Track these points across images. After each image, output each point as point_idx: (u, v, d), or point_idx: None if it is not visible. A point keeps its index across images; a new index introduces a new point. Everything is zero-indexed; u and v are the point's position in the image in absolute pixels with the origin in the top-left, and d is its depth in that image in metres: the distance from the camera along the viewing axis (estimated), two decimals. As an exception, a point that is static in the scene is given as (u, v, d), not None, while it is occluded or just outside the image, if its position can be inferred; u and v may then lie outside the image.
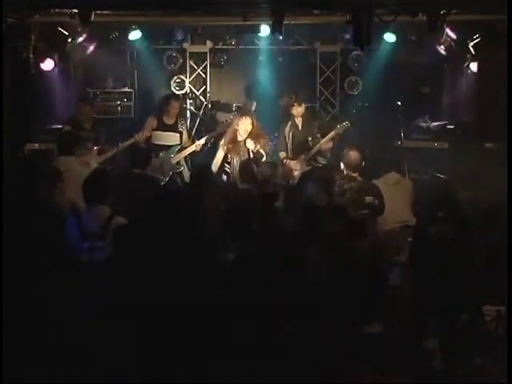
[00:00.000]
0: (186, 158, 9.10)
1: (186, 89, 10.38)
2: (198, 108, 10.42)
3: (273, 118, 9.61)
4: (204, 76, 10.56)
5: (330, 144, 8.80)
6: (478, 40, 8.96)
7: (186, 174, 8.92)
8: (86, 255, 5.25)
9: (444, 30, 8.55)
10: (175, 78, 10.35)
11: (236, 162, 8.42)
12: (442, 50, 9.52)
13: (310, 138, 8.79)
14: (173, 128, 8.87)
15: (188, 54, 10.40)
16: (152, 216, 5.15)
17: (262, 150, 8.35)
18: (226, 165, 8.46)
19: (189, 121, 10.09)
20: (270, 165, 7.74)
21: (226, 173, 8.43)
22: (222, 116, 10.00)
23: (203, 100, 10.42)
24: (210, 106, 10.13)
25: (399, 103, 9.34)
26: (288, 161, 8.79)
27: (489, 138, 9.09)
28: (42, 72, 9.26)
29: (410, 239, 6.11)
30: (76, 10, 7.35)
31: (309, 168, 8.56)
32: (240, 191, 7.41)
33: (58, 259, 5.13)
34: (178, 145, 8.86)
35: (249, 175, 7.40)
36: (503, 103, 7.73)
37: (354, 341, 4.89)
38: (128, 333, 4.52)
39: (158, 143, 8.83)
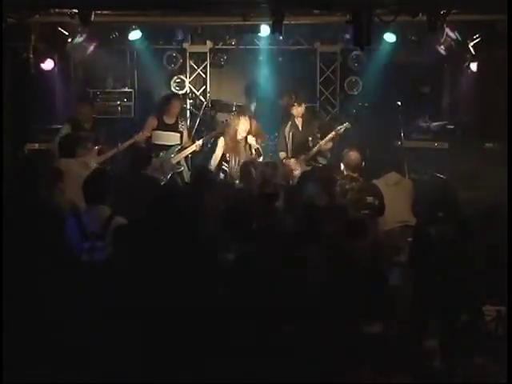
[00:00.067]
0: (186, 157, 9.12)
1: (186, 89, 10.38)
2: (198, 108, 10.41)
3: (273, 118, 9.62)
4: (204, 76, 10.56)
5: (330, 144, 8.80)
6: (478, 40, 8.96)
7: (186, 174, 8.93)
8: (86, 255, 5.25)
9: (444, 29, 8.55)
10: (175, 78, 10.35)
11: (234, 161, 8.45)
12: (441, 50, 9.51)
13: (310, 138, 8.80)
14: (173, 128, 8.87)
15: (188, 54, 10.40)
16: (152, 216, 5.15)
17: (260, 149, 8.38)
18: (224, 163, 8.48)
19: (189, 121, 10.09)
20: (270, 165, 7.74)
21: (224, 171, 8.45)
22: (222, 116, 10.00)
23: (203, 100, 10.42)
24: (210, 105, 10.12)
25: (399, 103, 9.34)
26: (288, 161, 8.80)
27: (489, 138, 9.09)
28: (42, 72, 9.26)
29: (409, 239, 6.10)
30: (76, 10, 7.35)
31: (309, 168, 8.56)
32: (240, 191, 7.42)
33: (57, 259, 5.13)
34: (178, 145, 8.86)
35: (247, 178, 7.42)
36: (503, 103, 7.73)
37: (353, 341, 4.89)
38: (128, 333, 4.52)
39: (158, 143, 8.84)
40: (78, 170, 6.69)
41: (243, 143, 8.53)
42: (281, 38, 8.79)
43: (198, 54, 10.48)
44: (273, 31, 7.55)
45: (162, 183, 8.41)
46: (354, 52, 10.29)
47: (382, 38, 9.20)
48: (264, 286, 4.76)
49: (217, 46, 10.40)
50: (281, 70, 10.25)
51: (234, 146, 8.49)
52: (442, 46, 9.42)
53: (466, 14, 8.07)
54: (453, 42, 9.19)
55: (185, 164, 9.10)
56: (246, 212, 5.54)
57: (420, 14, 7.39)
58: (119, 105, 9.81)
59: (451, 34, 8.95)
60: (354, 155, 7.30)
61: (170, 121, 8.87)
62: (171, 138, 8.87)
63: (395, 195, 7.02)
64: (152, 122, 8.85)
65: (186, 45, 10.32)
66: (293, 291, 4.82)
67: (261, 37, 9.78)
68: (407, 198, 7.19)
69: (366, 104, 10.21)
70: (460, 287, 5.24)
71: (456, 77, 10.20)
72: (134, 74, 10.43)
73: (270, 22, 7.43)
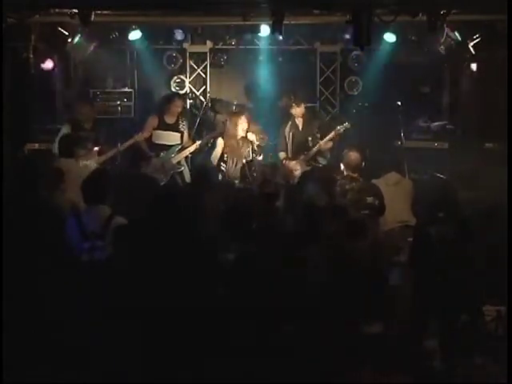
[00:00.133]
0: (186, 157, 9.12)
1: (186, 89, 10.38)
2: (197, 108, 10.41)
3: (273, 118, 9.63)
4: (204, 76, 10.55)
5: (330, 144, 8.81)
6: (478, 40, 8.96)
7: (187, 174, 8.94)
8: (86, 255, 5.25)
9: (444, 29, 8.54)
10: (175, 77, 10.34)
11: (232, 162, 8.47)
12: (441, 50, 9.50)
13: (309, 138, 8.80)
14: (174, 127, 8.88)
15: (188, 54, 10.38)
16: (152, 216, 5.15)
17: (260, 146, 8.42)
18: (222, 164, 8.49)
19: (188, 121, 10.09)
20: (270, 165, 7.75)
21: (222, 172, 8.47)
22: (222, 116, 10.00)
23: (203, 100, 10.42)
24: (209, 104, 10.11)
25: (399, 103, 9.34)
26: (288, 161, 8.80)
27: (489, 138, 9.10)
28: (42, 72, 9.26)
29: (410, 239, 6.11)
30: (76, 10, 7.35)
31: (309, 168, 8.57)
32: (240, 191, 7.42)
33: (58, 259, 5.13)
34: (178, 144, 8.87)
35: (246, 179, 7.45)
36: (503, 103, 7.73)
37: (353, 341, 4.89)
38: (128, 333, 4.52)
39: (158, 142, 8.85)
40: (78, 170, 6.69)
41: (241, 143, 8.54)
42: (281, 37, 8.78)
43: (198, 53, 10.47)
44: (273, 31, 7.55)
45: (163, 183, 8.43)
46: (354, 52, 10.28)
47: (382, 38, 9.19)
48: (264, 286, 4.76)
49: (217, 46, 10.39)
50: (281, 70, 10.24)
51: (232, 145, 8.51)
52: (442, 46, 9.40)
53: (466, 13, 8.07)
54: (453, 42, 9.18)
55: (185, 164, 9.11)
56: (246, 212, 5.54)
57: (420, 14, 7.39)
58: (119, 105, 9.80)
59: (451, 34, 8.94)
60: (353, 155, 7.30)
61: (170, 120, 8.88)
62: (172, 138, 8.88)
63: (395, 195, 7.02)
64: (153, 121, 8.86)
65: (186, 45, 10.30)
66: (293, 291, 4.82)
67: (261, 37, 9.77)
68: (407, 198, 7.20)
69: (366, 104, 10.22)
70: (460, 287, 5.24)
71: (456, 77, 10.20)
72: (134, 74, 10.42)
73: (270, 22, 7.43)
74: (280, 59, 10.40)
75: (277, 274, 4.86)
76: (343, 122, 8.80)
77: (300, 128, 8.93)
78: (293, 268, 4.98)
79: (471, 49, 9.11)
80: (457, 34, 8.96)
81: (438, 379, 5.12)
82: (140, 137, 8.65)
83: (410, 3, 7.31)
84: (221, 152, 8.51)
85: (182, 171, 8.89)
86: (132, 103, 10.10)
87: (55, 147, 7.65)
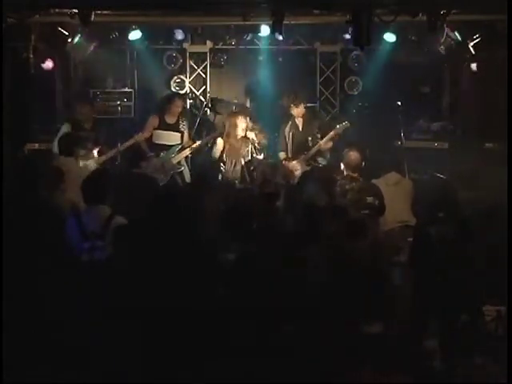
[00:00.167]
0: (186, 157, 9.13)
1: (186, 89, 10.38)
2: (198, 108, 10.41)
3: (273, 118, 9.62)
4: (204, 76, 10.55)
5: (330, 144, 8.80)
6: (478, 40, 8.97)
7: (187, 174, 8.94)
8: (86, 255, 5.26)
9: (444, 29, 8.54)
10: (175, 77, 10.34)
11: (231, 162, 8.47)
12: (441, 50, 9.51)
13: (309, 138, 8.79)
14: (174, 127, 8.88)
15: (188, 54, 10.39)
16: (152, 216, 5.15)
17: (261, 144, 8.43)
18: (221, 164, 8.50)
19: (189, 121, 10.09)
20: (270, 165, 7.74)
21: (221, 172, 8.47)
22: (222, 117, 10.00)
23: (203, 100, 10.42)
24: (210, 104, 10.11)
25: (399, 103, 9.34)
26: (288, 161, 8.80)
27: (489, 138, 9.10)
28: (42, 72, 9.26)
29: (410, 239, 6.11)
30: (76, 10, 7.35)
31: (309, 168, 8.57)
32: (240, 191, 7.42)
33: (58, 259, 5.13)
34: (178, 144, 8.87)
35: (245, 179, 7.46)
36: (503, 103, 7.73)
37: (354, 341, 4.89)
38: (128, 333, 4.52)
39: (158, 142, 8.86)
40: (78, 170, 6.70)
41: (241, 143, 8.55)
42: (281, 37, 8.79)
43: (198, 53, 10.47)
44: (273, 31, 7.55)
45: (163, 183, 8.43)
46: (354, 52, 10.28)
47: (382, 38, 9.19)
48: (264, 286, 4.76)
49: (217, 46, 10.39)
50: (281, 70, 10.24)
51: (231, 145, 8.51)
52: (442, 46, 9.41)
53: (466, 13, 8.08)
54: (453, 42, 9.19)
55: (185, 164, 9.11)
56: (246, 212, 5.54)
57: (420, 14, 7.39)
58: (119, 105, 9.80)
59: (451, 34, 8.95)
60: (354, 155, 7.30)
61: (171, 120, 8.88)
62: (172, 138, 8.88)
63: (395, 195, 7.02)
64: (153, 121, 8.86)
65: (186, 45, 10.31)
66: (293, 291, 4.82)
67: (261, 37, 9.78)
68: (407, 198, 7.19)
69: (366, 104, 10.22)
70: (460, 287, 5.24)
71: (456, 77, 10.20)
72: (134, 74, 10.42)
73: (270, 22, 7.43)
74: (280, 59, 10.41)
75: (277, 274, 4.86)
76: (343, 122, 8.79)
77: (300, 128, 8.93)
78: (293, 268, 4.98)
79: (471, 49, 9.11)
80: (457, 33, 8.97)
81: (438, 379, 5.11)
82: (140, 137, 8.65)
83: (410, 3, 7.31)
84: (221, 150, 8.51)
85: (182, 171, 8.89)
86: (132, 103, 10.11)
87: (55, 146, 7.65)
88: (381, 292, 5.19)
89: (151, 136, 8.85)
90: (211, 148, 8.88)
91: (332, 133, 8.66)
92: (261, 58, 10.35)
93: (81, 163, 7.55)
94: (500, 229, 5.62)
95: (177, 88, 10.28)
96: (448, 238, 5.34)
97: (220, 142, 8.55)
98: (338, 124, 8.76)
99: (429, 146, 9.60)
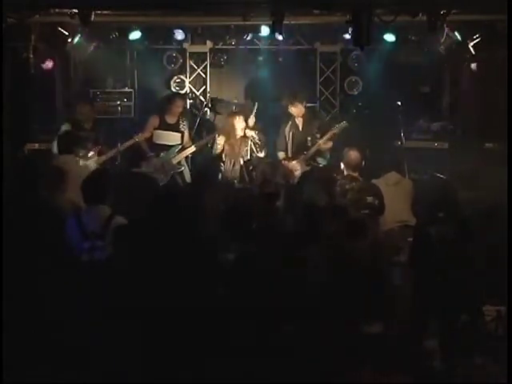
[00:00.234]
0: (186, 157, 9.13)
1: (186, 89, 10.38)
2: (198, 108, 10.41)
3: (273, 118, 9.62)
4: (204, 76, 10.55)
5: (330, 144, 8.79)
6: (478, 40, 8.96)
7: (187, 174, 8.94)
8: (86, 255, 5.26)
9: (444, 29, 8.54)
10: (175, 77, 10.34)
11: (230, 162, 8.48)
12: (441, 50, 9.51)
13: (309, 138, 8.79)
14: (174, 128, 8.89)
15: (188, 54, 10.39)
16: (152, 216, 5.15)
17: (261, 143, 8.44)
18: (220, 164, 8.50)
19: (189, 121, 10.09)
20: (271, 164, 7.74)
21: (220, 172, 8.48)
22: (222, 116, 10.00)
23: (203, 100, 10.42)
24: (210, 104, 10.11)
25: (399, 103, 9.34)
26: (287, 161, 8.80)
27: (489, 138, 9.09)
28: (42, 72, 9.26)
29: (409, 239, 6.10)
30: (76, 10, 7.35)
31: (309, 168, 8.57)
32: (240, 191, 7.42)
33: (58, 259, 5.13)
34: (179, 145, 8.87)
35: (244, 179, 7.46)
36: (503, 103, 7.73)
37: (354, 341, 4.89)
38: (128, 333, 4.52)
39: (159, 142, 8.86)
40: (78, 170, 6.69)
41: (240, 143, 8.55)
42: (281, 38, 8.79)
43: (198, 53, 10.47)
44: (273, 31, 7.55)
45: (163, 183, 8.43)
46: (354, 52, 10.28)
47: (382, 38, 9.19)
48: (264, 286, 4.76)
49: (217, 46, 10.39)
50: (281, 69, 10.24)
51: (231, 145, 8.52)
52: (442, 46, 9.42)
53: (466, 13, 8.07)
54: (453, 42, 9.19)
55: (185, 164, 9.11)
56: (246, 212, 5.54)
57: (420, 14, 7.39)
58: (119, 105, 9.80)
59: (451, 34, 8.95)
60: (354, 154, 7.30)
61: (171, 120, 8.88)
62: (172, 138, 8.88)
63: (395, 195, 7.02)
64: (153, 121, 8.86)
65: (186, 45, 10.31)
66: (293, 291, 4.82)
67: (261, 37, 9.77)
68: (407, 198, 7.19)
69: (366, 104, 10.21)
70: (460, 287, 5.24)
71: (456, 77, 10.19)
72: (134, 74, 10.42)
73: (270, 22, 7.43)
74: (280, 59, 10.40)
75: (277, 274, 4.86)
76: (341, 122, 8.79)
77: (300, 128, 8.93)
78: (293, 268, 4.98)
79: (471, 49, 9.11)
80: (457, 33, 8.97)
81: (438, 379, 5.11)
82: (140, 137, 8.66)
83: (410, 3, 7.30)
84: (221, 149, 8.52)
85: (182, 171, 8.89)
86: (132, 103, 10.11)
87: (54, 146, 7.65)
88: (381, 292, 5.19)
89: (151, 136, 8.86)
90: (211, 148, 8.88)
91: (330, 133, 8.65)
92: (261, 58, 10.35)
93: (81, 163, 7.56)
94: (500, 229, 5.62)
95: (177, 88, 10.28)
96: (448, 237, 5.34)
97: (220, 141, 8.55)
98: (337, 124, 8.76)
99: (429, 146, 9.59)
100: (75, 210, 5.64)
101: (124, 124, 9.61)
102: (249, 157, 8.58)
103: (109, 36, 9.65)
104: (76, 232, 5.33)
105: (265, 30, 8.88)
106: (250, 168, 8.49)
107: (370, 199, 6.74)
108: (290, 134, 8.88)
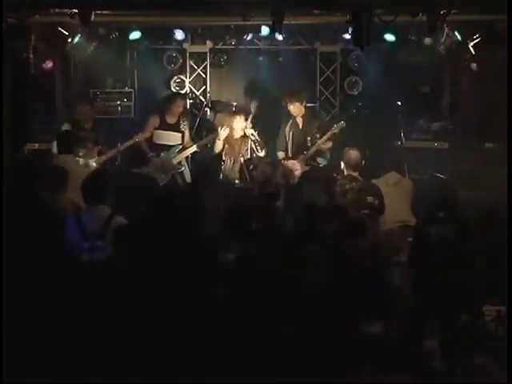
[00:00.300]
0: (186, 157, 9.13)
1: (186, 89, 10.38)
2: (198, 108, 10.41)
3: (273, 118, 9.62)
4: (204, 76, 10.55)
5: (329, 144, 8.79)
6: (478, 40, 8.96)
7: (187, 174, 8.94)
8: (86, 255, 5.26)
9: (444, 29, 8.55)
10: (175, 77, 10.34)
11: (230, 161, 8.48)
12: (441, 50, 9.51)
13: (308, 138, 8.79)
14: (175, 128, 8.88)
15: (188, 54, 10.39)
16: (152, 216, 5.15)
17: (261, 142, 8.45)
18: (221, 163, 8.50)
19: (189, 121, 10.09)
20: (270, 164, 7.74)
21: (221, 170, 8.48)
22: (222, 116, 9.99)
23: (203, 100, 10.42)
24: (209, 105, 10.12)
25: (399, 103, 9.35)
26: (286, 161, 8.80)
27: (489, 138, 9.09)
28: (42, 72, 9.26)
29: (409, 239, 6.10)
30: (76, 10, 7.35)
31: (308, 168, 8.57)
32: (240, 190, 7.41)
33: (58, 259, 5.13)
34: (179, 145, 8.87)
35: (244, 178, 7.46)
36: (503, 103, 7.73)
37: (354, 341, 4.89)
38: (128, 333, 4.52)
39: (159, 142, 8.86)
40: (78, 170, 6.69)
41: (240, 142, 8.55)
42: (281, 37, 8.78)
43: (198, 53, 10.47)
44: (273, 31, 7.55)
45: (163, 183, 8.43)
46: (354, 52, 10.27)
47: (382, 38, 9.19)
48: (264, 286, 4.76)
49: (217, 46, 10.39)
50: (281, 70, 10.25)
51: (231, 145, 8.53)
52: (442, 46, 9.42)
53: (466, 13, 8.07)
54: (453, 42, 9.19)
55: (186, 164, 9.11)
56: (246, 212, 5.54)
57: (420, 14, 7.39)
58: (119, 105, 9.80)
59: (451, 34, 8.95)
60: (354, 154, 7.31)
61: (171, 120, 8.88)
62: (172, 138, 8.88)
63: (395, 195, 7.02)
64: (154, 121, 8.86)
65: (186, 45, 10.31)
66: (293, 291, 4.82)
67: (261, 37, 9.77)
68: (407, 198, 7.19)
69: (366, 104, 10.21)
70: (460, 287, 5.24)
71: (456, 77, 10.19)
72: (134, 74, 10.41)
73: (270, 22, 7.43)
74: (280, 59, 10.40)
75: (277, 274, 4.86)
76: (339, 122, 8.79)
77: (300, 127, 8.93)
78: (293, 268, 4.98)
79: (471, 49, 9.11)
80: (457, 33, 8.97)
81: (438, 379, 5.11)
82: (140, 137, 8.65)
83: (410, 3, 7.30)
84: (221, 149, 8.52)
85: (182, 171, 8.88)
86: (132, 103, 10.11)
87: (54, 146, 7.65)
88: (381, 292, 5.19)
89: (152, 136, 8.85)
90: (211, 148, 8.88)
91: (328, 133, 8.65)
92: (261, 58, 10.35)
93: (81, 163, 7.55)
94: (500, 229, 5.62)
95: (177, 88, 10.28)
96: (448, 237, 5.34)
97: (220, 140, 8.55)
98: (335, 124, 8.76)
99: (429, 146, 9.59)
100: (75, 210, 5.64)
101: (124, 124, 9.60)
102: (249, 156, 8.57)
103: (109, 36, 9.65)
104: (76, 232, 5.33)
105: (265, 30, 8.88)
106: (251, 167, 8.48)
107: (370, 199, 6.74)
108: (290, 133, 8.88)
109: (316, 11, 8.07)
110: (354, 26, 6.85)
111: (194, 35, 10.27)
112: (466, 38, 9.05)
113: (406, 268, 5.84)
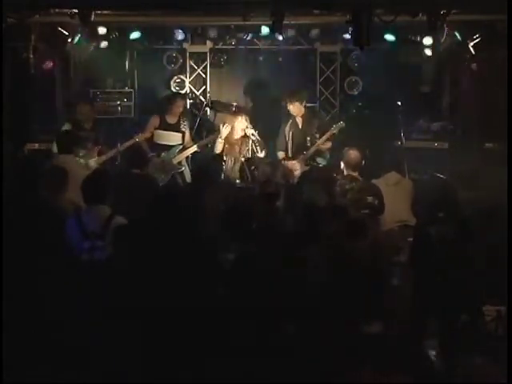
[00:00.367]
0: (187, 157, 9.13)
1: (186, 89, 10.38)
2: (198, 108, 10.41)
3: (273, 118, 9.62)
4: (204, 76, 10.55)
5: (329, 144, 8.79)
6: (478, 40, 8.97)
7: (188, 174, 8.94)
8: (86, 255, 5.26)
9: (444, 29, 8.54)
10: (175, 77, 10.34)
11: (231, 161, 8.48)
12: (442, 50, 9.51)
13: (308, 138, 8.79)
14: (175, 128, 8.89)
15: (188, 54, 10.39)
16: (152, 216, 5.15)
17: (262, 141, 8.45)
18: (221, 163, 8.50)
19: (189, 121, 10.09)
20: (270, 164, 7.74)
21: (221, 170, 8.48)
22: (222, 115, 9.99)
23: (203, 100, 10.42)
24: (210, 105, 10.12)
25: (399, 103, 9.35)
26: (286, 161, 8.80)
27: (489, 137, 9.09)
28: (42, 72, 9.26)
29: (409, 239, 6.11)
30: (76, 10, 7.36)
31: (308, 168, 8.57)
32: (240, 190, 7.41)
33: (58, 259, 5.13)
34: (179, 145, 8.87)
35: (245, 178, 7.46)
36: (503, 103, 7.73)
37: (354, 341, 4.89)
38: (128, 333, 4.52)
39: (159, 142, 8.86)
40: (77, 170, 6.69)
41: (240, 142, 8.56)
42: (281, 37, 8.78)
43: (198, 53, 10.47)
44: (273, 31, 7.55)
45: (163, 183, 8.43)
46: (354, 52, 10.26)
47: (382, 38, 9.19)
48: (264, 285, 4.75)
49: (217, 46, 10.39)
50: (281, 70, 10.25)
51: (231, 145, 8.53)
52: (442, 46, 9.42)
53: (466, 13, 8.08)
54: (453, 42, 9.19)
55: (186, 164, 9.11)
56: (246, 212, 5.54)
57: (420, 14, 7.39)
58: (119, 105, 9.81)
59: (451, 34, 8.95)
60: (354, 153, 7.31)
61: (172, 120, 8.88)
62: (173, 138, 8.88)
63: (395, 195, 7.02)
64: (154, 121, 8.87)
65: (186, 45, 10.31)
66: (293, 291, 4.82)
67: (261, 37, 9.78)
68: (407, 198, 7.19)
69: (366, 104, 10.21)
70: (460, 287, 5.24)
71: (456, 77, 10.19)
72: (134, 74, 10.41)
73: (270, 22, 7.43)
74: (280, 59, 10.40)
75: (277, 274, 4.86)
76: (338, 122, 8.79)
77: (300, 127, 8.93)
78: (293, 268, 4.98)
79: (471, 49, 9.11)
80: (457, 33, 8.97)
81: (438, 379, 5.11)
82: (140, 137, 8.65)
83: (410, 3, 7.30)
84: (222, 147, 8.52)
85: (182, 171, 8.89)
86: (132, 103, 10.10)
87: (54, 146, 7.66)
88: (381, 292, 5.19)
89: (152, 136, 8.86)
90: (212, 148, 8.89)
91: (328, 133, 8.65)
92: (261, 58, 10.35)
93: (81, 163, 7.56)
94: (500, 229, 5.62)
95: (177, 88, 10.28)
96: (448, 237, 5.34)
97: (220, 141, 8.56)
98: (334, 124, 8.76)
99: (429, 146, 9.59)
100: (75, 210, 5.64)
101: (124, 124, 9.62)
102: (250, 156, 8.57)
103: (109, 36, 9.65)
104: (76, 232, 5.34)
105: (265, 30, 8.88)
106: (252, 168, 8.49)
107: (369, 199, 6.73)
108: (290, 133, 8.88)
109: (316, 11, 8.07)
110: (354, 26, 6.86)
111: (194, 35, 10.27)
112: (466, 37, 9.05)
113: (405, 268, 5.84)
